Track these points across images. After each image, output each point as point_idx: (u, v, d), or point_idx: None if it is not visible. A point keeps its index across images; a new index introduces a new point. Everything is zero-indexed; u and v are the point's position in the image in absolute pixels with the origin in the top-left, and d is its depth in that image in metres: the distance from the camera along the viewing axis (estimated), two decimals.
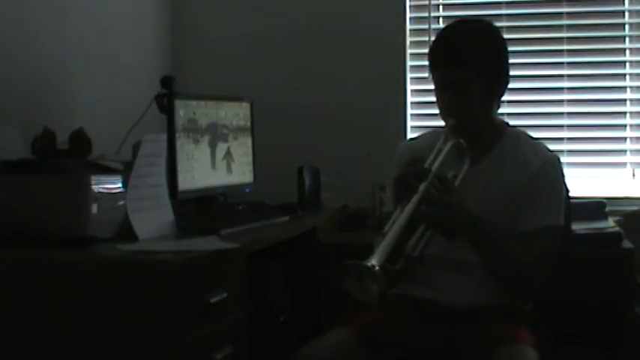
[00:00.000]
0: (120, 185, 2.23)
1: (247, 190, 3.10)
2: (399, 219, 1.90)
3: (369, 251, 1.82)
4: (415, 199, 1.93)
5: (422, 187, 1.95)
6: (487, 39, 2.15)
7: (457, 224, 1.99)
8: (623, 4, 3.32)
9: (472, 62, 2.08)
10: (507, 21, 3.36)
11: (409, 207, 1.92)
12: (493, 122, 2.20)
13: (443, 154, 2.06)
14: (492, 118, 2.20)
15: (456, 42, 2.13)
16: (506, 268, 2.05)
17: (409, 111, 3.45)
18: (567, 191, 2.26)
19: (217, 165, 2.88)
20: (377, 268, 1.76)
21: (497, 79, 2.14)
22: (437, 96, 2.15)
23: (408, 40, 3.43)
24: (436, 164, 2.02)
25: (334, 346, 2.01)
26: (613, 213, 3.09)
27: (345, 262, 1.81)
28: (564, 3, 3.35)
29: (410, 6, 3.45)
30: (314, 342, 2.03)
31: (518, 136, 2.20)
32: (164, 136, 2.47)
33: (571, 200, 2.26)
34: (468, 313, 2.07)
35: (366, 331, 2.04)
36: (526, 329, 2.00)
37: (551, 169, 2.14)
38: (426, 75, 2.18)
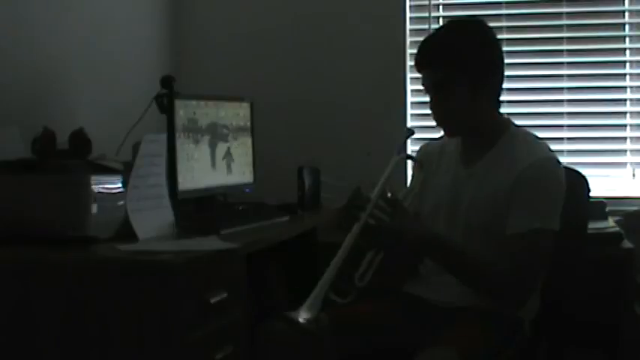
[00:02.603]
0: (120, 185, 2.23)
1: (247, 190, 3.10)
2: (336, 258, 1.93)
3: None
4: (355, 229, 1.96)
5: (363, 215, 1.97)
6: (468, 40, 2.11)
7: (409, 246, 2.00)
8: (623, 4, 3.32)
9: (446, 64, 2.06)
10: (507, 21, 3.37)
11: (348, 239, 1.96)
12: (493, 122, 2.17)
13: (385, 174, 2.08)
14: (490, 118, 2.15)
15: (432, 45, 2.14)
16: (476, 276, 2.02)
17: (409, 111, 3.45)
18: (589, 190, 2.25)
19: (217, 165, 2.88)
20: (302, 321, 1.82)
21: (481, 80, 2.08)
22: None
23: (408, 40, 3.43)
24: (379, 186, 2.04)
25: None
26: (613, 213, 3.09)
27: (281, 315, 1.87)
28: (564, 3, 3.35)
29: (410, 6, 3.45)
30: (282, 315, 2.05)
31: (517, 136, 2.14)
32: (164, 136, 2.47)
33: (591, 200, 2.26)
34: (446, 313, 2.07)
35: (339, 317, 2.05)
36: (482, 331, 1.99)
37: (538, 170, 2.04)
38: None
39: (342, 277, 1.92)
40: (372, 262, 1.99)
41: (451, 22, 2.38)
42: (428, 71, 2.11)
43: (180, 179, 2.62)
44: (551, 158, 2.10)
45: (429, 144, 2.35)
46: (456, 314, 2.05)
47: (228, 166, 2.95)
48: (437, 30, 2.26)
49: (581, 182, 2.27)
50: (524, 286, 2.02)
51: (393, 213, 2.00)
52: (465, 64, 2.06)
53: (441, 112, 2.11)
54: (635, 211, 3.16)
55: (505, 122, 2.19)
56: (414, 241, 2.00)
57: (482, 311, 2.05)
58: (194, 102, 2.77)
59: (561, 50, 3.36)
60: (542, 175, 2.05)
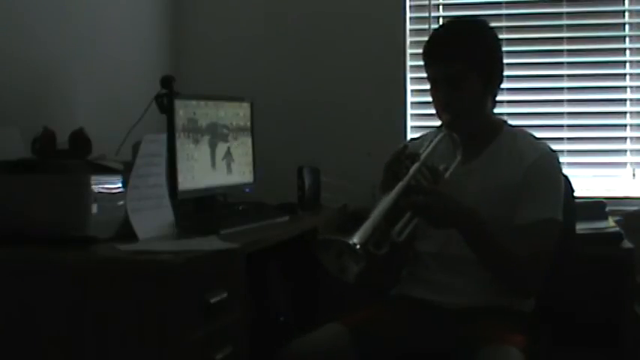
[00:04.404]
0: (120, 185, 2.23)
1: (247, 190, 3.10)
2: (383, 202, 1.88)
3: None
4: (400, 185, 1.92)
5: (409, 174, 1.94)
6: (478, 36, 2.17)
7: (443, 212, 1.96)
8: (623, 4, 3.32)
9: (461, 57, 2.09)
10: (507, 21, 3.37)
11: (394, 192, 1.91)
12: (490, 120, 2.21)
13: (432, 145, 2.06)
14: (489, 116, 2.21)
15: (446, 38, 2.17)
16: (500, 261, 2.03)
17: (409, 111, 3.45)
18: (572, 190, 2.26)
19: (217, 165, 2.88)
20: (358, 246, 1.73)
21: (490, 76, 2.15)
22: (432, 94, 2.17)
23: (408, 40, 3.43)
24: (425, 154, 2.02)
25: (325, 341, 2.01)
26: (613, 213, 3.09)
27: (326, 237, 1.80)
28: (564, 3, 3.35)
29: (410, 6, 3.45)
30: (305, 336, 2.03)
31: (515, 133, 2.21)
32: (164, 136, 2.46)
33: (575, 200, 2.26)
34: (463, 314, 2.06)
35: (359, 329, 2.04)
36: (517, 330, 1.99)
37: (546, 163, 2.13)
38: (425, 75, 2.20)
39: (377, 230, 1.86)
40: (410, 221, 1.94)
41: (459, 20, 2.39)
42: (441, 65, 2.12)
43: (180, 179, 2.62)
44: (555, 152, 2.18)
45: (413, 142, 2.34)
46: (476, 315, 2.05)
47: (228, 166, 2.95)
48: (444, 26, 2.27)
49: (565, 183, 2.28)
50: (541, 274, 2.05)
51: (432, 180, 1.99)
52: (479, 59, 2.11)
53: (454, 105, 2.11)
54: (635, 211, 3.16)
55: (499, 122, 2.26)
56: (452, 208, 1.97)
57: (501, 310, 2.06)
58: (194, 102, 2.77)
59: (561, 50, 3.35)
60: (551, 167, 2.14)
